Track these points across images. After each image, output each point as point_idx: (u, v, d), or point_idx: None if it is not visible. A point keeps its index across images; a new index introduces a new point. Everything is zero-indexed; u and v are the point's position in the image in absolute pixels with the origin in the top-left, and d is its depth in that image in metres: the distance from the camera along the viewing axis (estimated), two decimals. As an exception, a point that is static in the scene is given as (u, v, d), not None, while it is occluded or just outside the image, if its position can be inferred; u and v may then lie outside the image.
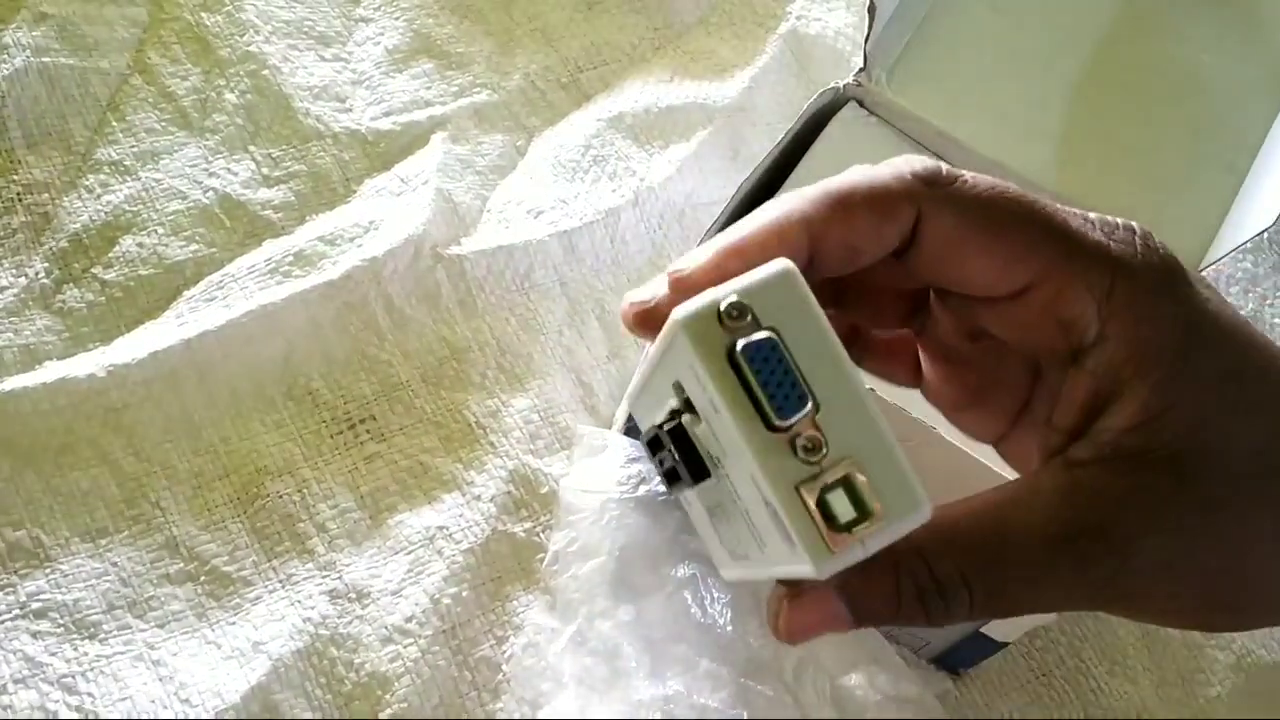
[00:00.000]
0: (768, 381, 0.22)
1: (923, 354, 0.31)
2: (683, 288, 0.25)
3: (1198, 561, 0.25)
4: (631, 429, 0.48)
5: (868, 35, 0.48)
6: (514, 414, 0.50)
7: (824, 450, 0.22)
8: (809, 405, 0.22)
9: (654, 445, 0.26)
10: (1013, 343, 0.28)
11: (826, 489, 0.22)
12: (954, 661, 0.48)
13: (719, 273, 0.24)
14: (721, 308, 0.23)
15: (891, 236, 0.26)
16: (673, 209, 0.58)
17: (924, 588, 0.24)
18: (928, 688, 0.46)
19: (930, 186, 0.26)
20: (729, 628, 0.45)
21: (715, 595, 0.46)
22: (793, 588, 0.25)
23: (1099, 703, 0.50)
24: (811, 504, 0.22)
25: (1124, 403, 0.25)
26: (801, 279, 0.23)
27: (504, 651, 0.44)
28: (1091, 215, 0.26)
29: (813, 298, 0.23)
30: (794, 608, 0.25)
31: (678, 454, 0.25)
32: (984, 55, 0.52)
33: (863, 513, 0.22)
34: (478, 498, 0.47)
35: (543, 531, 0.47)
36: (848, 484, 0.22)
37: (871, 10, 0.47)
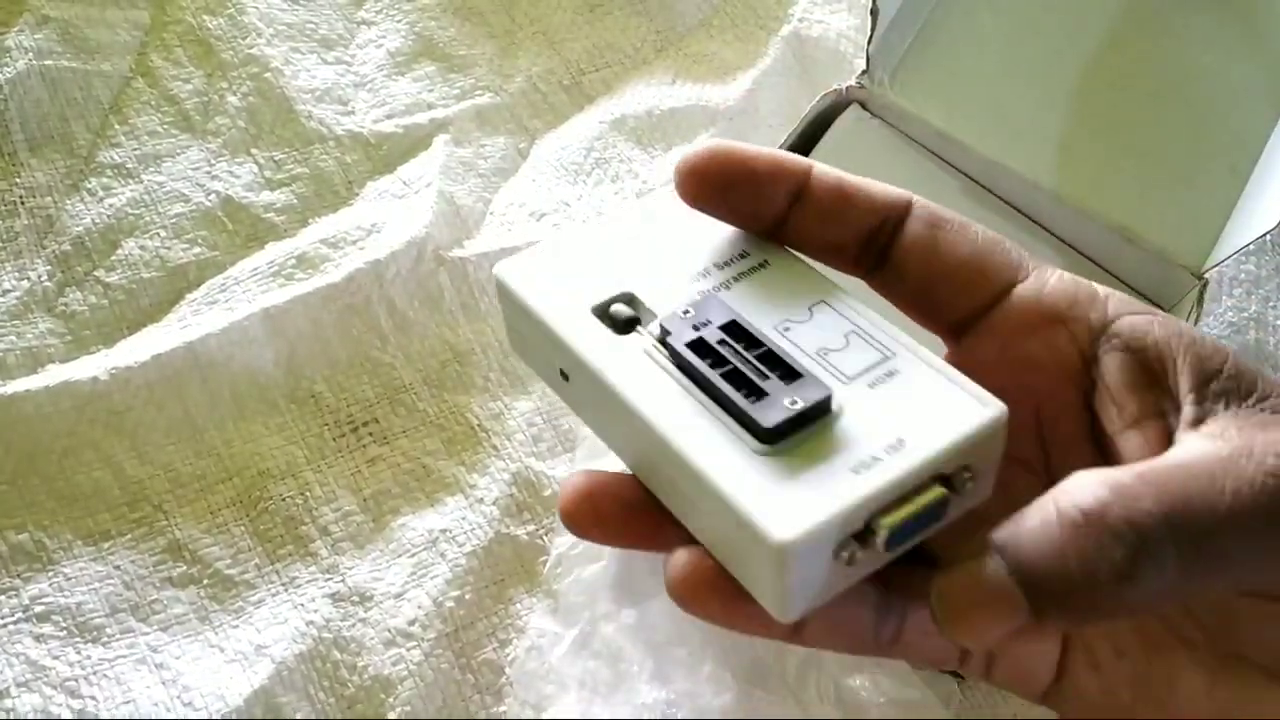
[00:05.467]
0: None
1: None
2: None
3: None
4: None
5: (870, 38, 0.48)
6: (517, 417, 0.50)
7: None
8: None
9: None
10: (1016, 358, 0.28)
11: None
12: (957, 664, 0.48)
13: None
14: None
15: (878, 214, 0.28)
16: (675, 211, 0.58)
17: (1122, 537, 0.21)
18: (932, 690, 0.46)
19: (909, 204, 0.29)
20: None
21: (718, 598, 0.46)
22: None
23: (1102, 705, 0.50)
24: None
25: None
26: None
27: (507, 654, 0.44)
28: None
29: None
30: (963, 598, 0.22)
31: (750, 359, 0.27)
32: (986, 57, 0.52)
33: None
34: (480, 500, 0.47)
35: (546, 534, 0.47)
36: None
37: (874, 13, 0.47)
